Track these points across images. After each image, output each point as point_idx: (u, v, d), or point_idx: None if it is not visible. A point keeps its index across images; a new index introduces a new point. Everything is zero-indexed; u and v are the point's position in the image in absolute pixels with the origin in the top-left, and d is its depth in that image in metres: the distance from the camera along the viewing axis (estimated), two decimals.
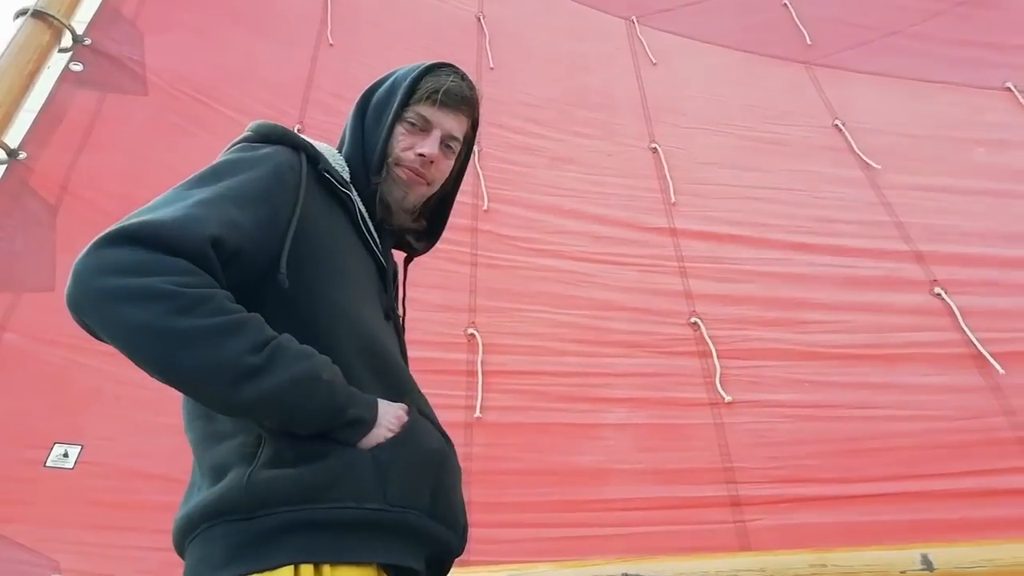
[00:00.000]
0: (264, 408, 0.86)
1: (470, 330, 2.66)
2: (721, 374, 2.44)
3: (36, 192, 2.54)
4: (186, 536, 0.91)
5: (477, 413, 2.44)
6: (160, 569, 1.82)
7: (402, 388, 1.04)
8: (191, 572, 0.89)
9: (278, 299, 0.94)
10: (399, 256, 1.26)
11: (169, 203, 0.91)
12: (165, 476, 2.10)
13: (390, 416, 0.95)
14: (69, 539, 1.95)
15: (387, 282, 1.14)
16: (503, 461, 2.38)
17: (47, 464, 2.10)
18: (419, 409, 1.01)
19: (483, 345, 2.62)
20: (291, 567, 0.83)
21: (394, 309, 1.16)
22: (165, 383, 0.87)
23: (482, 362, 2.58)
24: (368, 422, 0.91)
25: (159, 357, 0.83)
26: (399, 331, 1.16)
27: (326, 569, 0.85)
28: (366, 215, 1.10)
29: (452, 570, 1.28)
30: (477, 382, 2.53)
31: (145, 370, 0.85)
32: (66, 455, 2.14)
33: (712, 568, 1.15)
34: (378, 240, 1.11)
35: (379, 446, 0.91)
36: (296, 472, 0.87)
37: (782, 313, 2.64)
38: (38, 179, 2.55)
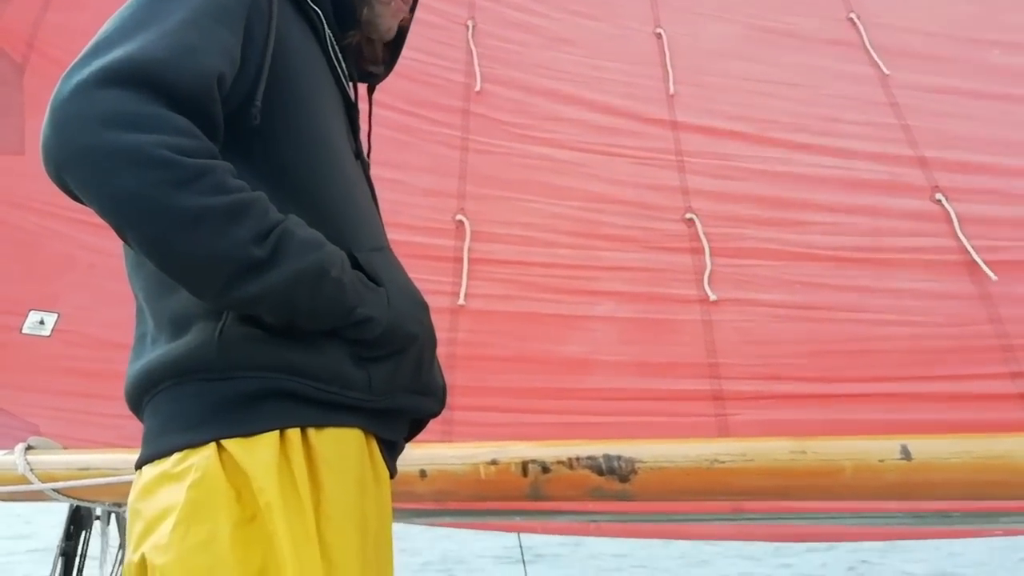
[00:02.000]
0: (264, 305, 0.78)
1: (458, 216, 2.59)
2: (713, 272, 2.40)
3: (1, 49, 2.39)
4: (146, 392, 0.84)
5: (461, 300, 2.42)
6: (136, 435, 1.81)
7: (379, 240, 0.98)
8: (157, 430, 0.82)
9: (246, 139, 0.85)
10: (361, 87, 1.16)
11: (145, 24, 0.77)
12: None
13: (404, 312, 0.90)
14: (47, 404, 1.94)
15: (354, 119, 1.05)
16: (487, 348, 2.38)
17: (23, 331, 2.07)
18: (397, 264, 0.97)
19: (471, 232, 2.57)
20: (276, 432, 0.77)
21: (362, 151, 1.08)
22: (151, 261, 0.77)
23: (469, 249, 2.53)
24: (378, 322, 0.84)
25: (149, 235, 0.73)
26: (367, 175, 1.07)
27: (312, 433, 0.80)
28: (334, 39, 0.99)
29: (433, 446, 1.28)
30: (463, 269, 2.49)
31: (129, 244, 0.76)
32: (42, 323, 2.11)
33: (693, 452, 1.13)
34: (346, 68, 1.01)
35: (366, 341, 0.86)
36: (274, 339, 0.81)
37: (779, 213, 2.58)
38: (2, 35, 2.40)
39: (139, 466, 0.83)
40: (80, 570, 2.33)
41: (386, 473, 0.90)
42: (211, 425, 0.78)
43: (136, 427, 1.89)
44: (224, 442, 0.77)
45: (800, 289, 2.26)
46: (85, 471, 1.36)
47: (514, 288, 2.51)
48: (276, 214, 0.79)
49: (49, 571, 2.29)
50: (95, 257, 2.30)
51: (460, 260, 2.52)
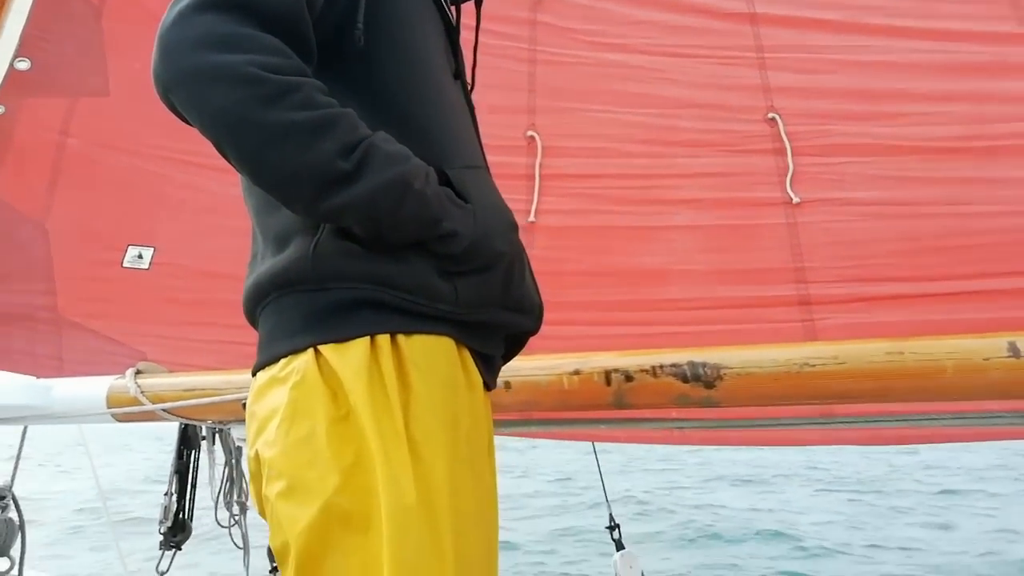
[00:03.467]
0: (350, 217, 0.81)
1: (529, 132, 2.54)
2: (796, 172, 2.29)
3: None
4: (257, 304, 0.90)
5: (531, 218, 2.40)
6: (237, 360, 1.92)
7: (474, 159, 0.99)
8: (266, 339, 0.88)
9: (345, 59, 0.87)
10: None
11: None
12: (233, 275, 2.16)
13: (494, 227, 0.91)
14: (151, 333, 2.06)
15: (454, 39, 1.05)
16: (563, 263, 2.36)
17: (124, 264, 2.18)
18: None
19: (543, 148, 2.52)
20: (367, 338, 0.81)
21: (462, 71, 1.08)
22: (244, 176, 0.84)
23: (540, 165, 2.49)
24: (463, 236, 0.86)
25: (241, 149, 0.78)
26: (468, 96, 1.09)
27: (401, 339, 0.83)
28: None
29: (516, 360, 1.29)
30: (534, 186, 2.46)
31: (228, 160, 0.81)
32: (140, 256, 2.21)
33: (782, 356, 1.10)
34: None
35: (452, 256, 0.87)
36: (365, 253, 0.84)
37: (869, 106, 2.42)
38: None
39: (254, 372, 0.89)
40: (193, 484, 2.53)
41: (480, 381, 0.91)
42: (309, 332, 0.83)
43: (234, 352, 1.99)
44: (320, 347, 0.81)
45: (893, 185, 2.13)
46: (191, 392, 1.44)
47: (588, 202, 2.47)
48: (364, 129, 0.81)
49: (166, 488, 2.48)
50: (185, 193, 2.39)
51: (532, 177, 2.49)
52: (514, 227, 0.99)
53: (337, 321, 0.82)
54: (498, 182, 2.52)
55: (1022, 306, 1.73)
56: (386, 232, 0.83)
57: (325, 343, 0.82)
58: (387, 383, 0.80)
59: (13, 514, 2.30)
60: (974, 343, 1.05)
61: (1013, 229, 1.93)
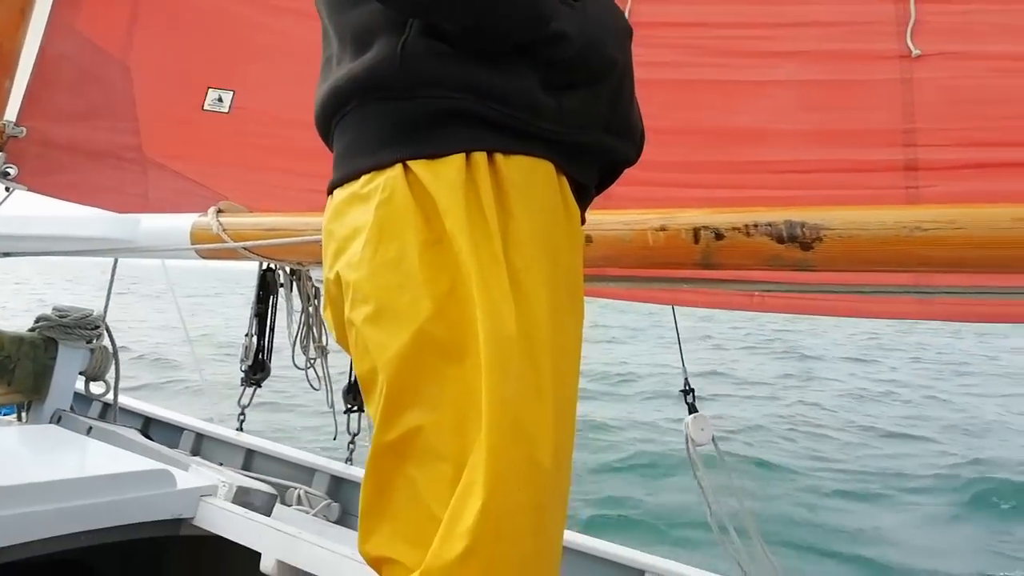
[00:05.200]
0: (443, 8, 0.72)
1: None
2: (918, 22, 2.05)
3: None
4: (334, 113, 0.82)
5: None
6: (315, 208, 1.91)
7: None
8: (345, 152, 0.81)
9: None
10: None
11: None
12: (312, 124, 2.14)
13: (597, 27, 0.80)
14: (231, 176, 2.08)
15: None
16: (654, 120, 2.21)
17: (204, 107, 2.18)
18: None
19: None
20: (462, 155, 0.74)
21: None
22: None
23: (630, 12, 2.31)
24: (572, 39, 0.76)
25: None
26: None
27: (499, 158, 0.75)
28: None
29: (599, 213, 1.23)
30: None
31: None
32: (220, 99, 2.20)
33: (891, 219, 1.01)
34: None
35: (560, 61, 0.77)
36: (461, 57, 0.75)
37: None
38: None
39: (330, 190, 0.84)
40: (272, 328, 2.64)
41: (578, 212, 0.84)
42: (396, 146, 0.76)
43: (312, 201, 1.99)
44: (410, 163, 0.75)
45: None
46: (272, 231, 1.45)
47: (683, 54, 2.29)
48: None
49: (246, 329, 2.61)
50: (266, 36, 2.33)
51: None
52: (628, 33, 0.88)
53: (429, 134, 0.75)
54: None
55: None
56: (486, 31, 0.74)
57: (415, 158, 0.74)
58: (485, 206, 0.73)
59: (107, 342, 2.46)
60: None
61: None
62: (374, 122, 0.78)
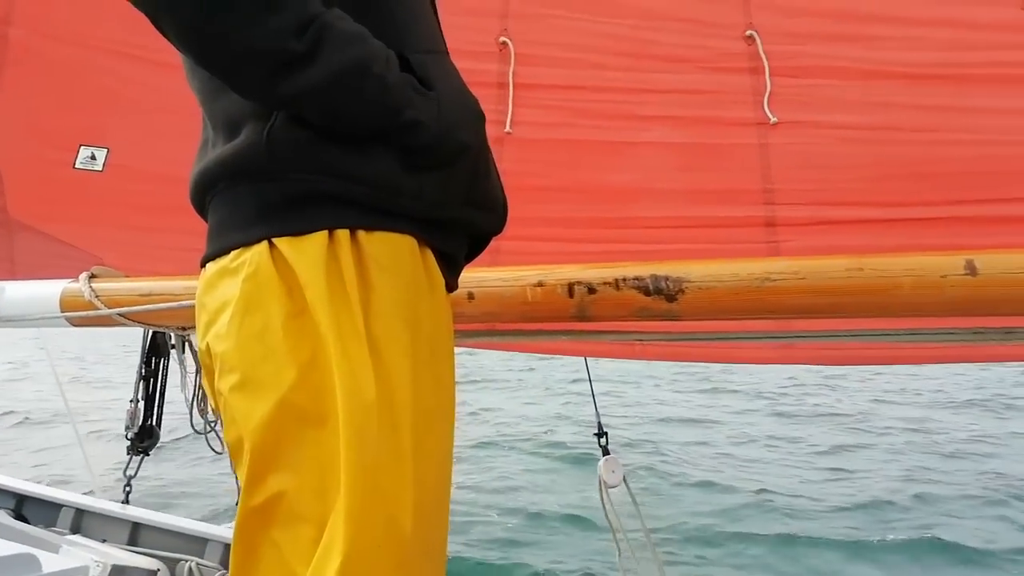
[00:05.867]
0: (303, 105, 0.76)
1: (502, 38, 2.46)
2: (772, 93, 2.26)
3: None
4: (205, 193, 0.85)
5: (507, 128, 2.35)
6: (197, 268, 1.86)
7: (435, 43, 0.92)
8: (216, 229, 0.83)
9: None
10: None
11: None
12: None
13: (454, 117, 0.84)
14: (106, 238, 2.00)
15: None
16: (533, 177, 2.33)
17: (76, 166, 2.10)
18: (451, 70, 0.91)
19: (516, 55, 2.44)
20: (325, 232, 0.77)
21: None
22: (186, 54, 0.78)
23: (514, 74, 2.42)
24: (426, 127, 0.80)
25: (181, 23, 0.72)
26: None
27: (361, 235, 0.78)
28: None
29: (480, 270, 1.28)
30: (508, 95, 2.40)
31: (167, 36, 0.75)
32: (93, 157, 2.13)
33: (743, 271, 1.10)
34: None
35: (416, 148, 0.81)
36: (322, 142, 0.78)
37: (849, 27, 2.37)
38: None
39: (203, 264, 0.85)
40: (163, 391, 2.52)
41: (442, 283, 0.88)
42: (262, 224, 0.78)
43: (193, 259, 1.95)
44: (275, 240, 0.78)
45: (868, 110, 2.12)
46: (148, 296, 1.41)
47: (561, 115, 2.42)
48: (316, 5, 0.75)
49: (132, 394, 2.48)
50: (139, 91, 2.28)
51: (505, 86, 2.42)
52: (481, 117, 0.92)
53: (293, 213, 0.78)
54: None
55: (984, 233, 1.75)
56: (345, 121, 0.78)
57: (280, 236, 0.77)
58: (346, 279, 0.76)
59: None
60: (932, 260, 1.05)
61: (981, 158, 1.94)
62: (242, 202, 0.80)
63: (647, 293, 1.16)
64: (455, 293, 1.25)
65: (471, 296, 1.26)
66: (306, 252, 0.76)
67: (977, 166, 1.89)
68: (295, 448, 0.74)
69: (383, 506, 0.72)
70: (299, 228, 0.77)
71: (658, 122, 2.32)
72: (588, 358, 2.40)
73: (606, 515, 1.81)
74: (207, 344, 0.82)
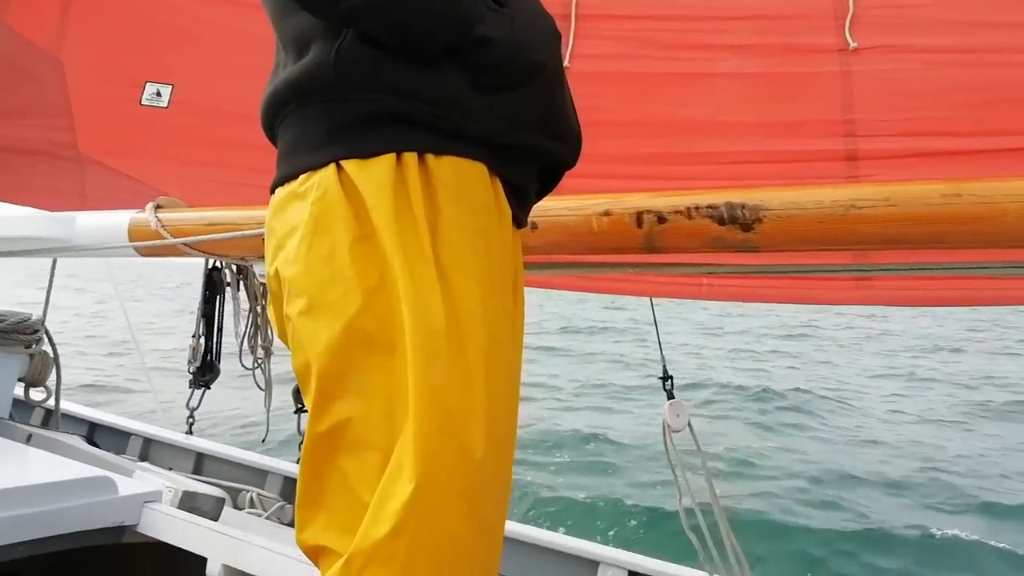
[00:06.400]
0: (370, 18, 0.74)
1: None
2: (855, 15, 2.10)
3: None
4: (276, 115, 0.84)
5: (566, 62, 2.26)
6: (257, 202, 1.87)
7: None
8: (286, 152, 0.83)
9: None
10: None
11: None
12: (254, 116, 2.09)
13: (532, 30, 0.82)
14: (171, 172, 2.02)
15: None
16: (600, 112, 2.24)
17: (142, 102, 2.12)
18: None
19: None
20: (393, 155, 0.76)
21: None
22: None
23: (577, 4, 2.32)
24: (498, 43, 0.78)
25: None
26: None
27: (430, 158, 0.77)
28: None
29: (544, 200, 1.23)
30: (570, 27, 2.30)
31: None
32: (159, 94, 2.14)
33: (828, 198, 1.02)
34: None
35: (487, 66, 0.79)
36: (391, 60, 0.77)
37: None
38: None
39: (273, 189, 0.85)
40: (220, 328, 2.58)
41: (510, 213, 0.85)
42: (330, 146, 0.77)
43: (254, 195, 1.95)
44: (343, 162, 0.76)
45: (963, 29, 1.95)
46: (212, 226, 1.41)
47: (628, 46, 2.31)
48: None
49: (193, 330, 2.55)
50: (203, 28, 2.28)
51: (567, 17, 2.33)
52: (557, 36, 0.90)
53: (360, 135, 0.77)
54: None
55: None
56: (412, 37, 0.75)
57: (347, 158, 0.76)
58: (413, 202, 0.74)
59: (47, 347, 2.38)
60: None
61: None
62: (311, 124, 0.79)
63: (721, 222, 1.09)
64: None
65: (534, 226, 1.22)
66: (373, 175, 0.75)
67: None
68: (362, 374, 0.73)
69: (454, 433, 0.70)
70: (367, 150, 0.76)
71: (731, 51, 2.19)
72: (654, 301, 2.33)
73: (668, 459, 1.77)
74: (275, 269, 0.81)
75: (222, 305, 2.43)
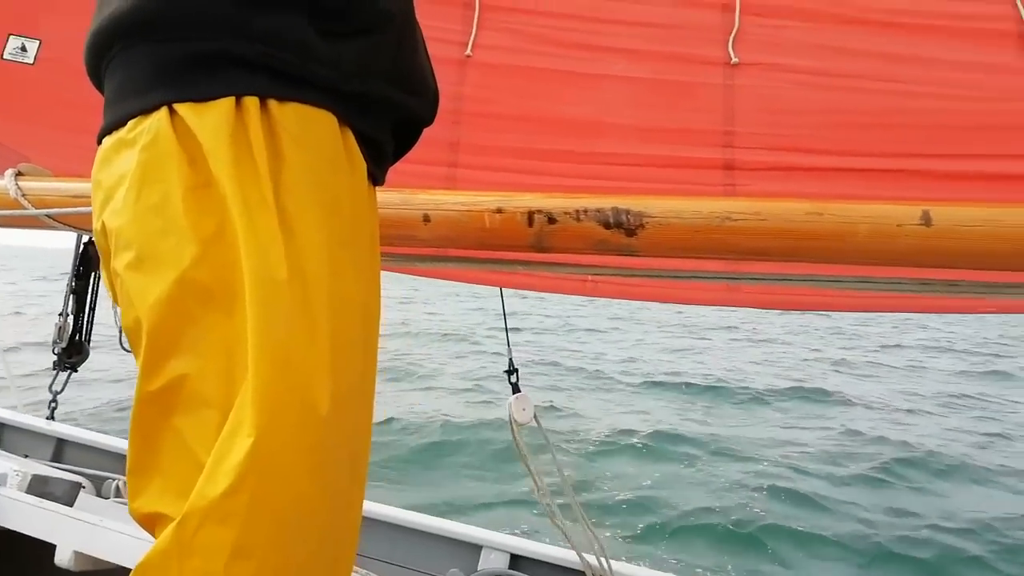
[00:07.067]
0: None
1: None
2: (739, 31, 2.22)
3: None
4: (101, 57, 0.76)
5: (467, 51, 2.27)
6: None
7: None
8: (112, 98, 0.75)
9: None
10: None
11: None
12: None
13: None
14: (36, 135, 1.87)
15: None
16: (494, 104, 2.27)
17: (4, 56, 1.95)
18: None
19: None
20: (231, 99, 0.70)
21: None
22: None
23: None
24: None
25: None
26: None
27: (273, 105, 0.71)
28: None
29: (438, 192, 1.24)
30: (473, 16, 2.31)
31: None
32: (24, 49, 1.98)
33: (705, 208, 1.09)
34: None
35: (330, 10, 0.74)
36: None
37: None
38: None
39: (99, 139, 0.77)
40: (93, 307, 2.42)
41: (364, 167, 0.80)
42: (161, 88, 0.71)
43: None
44: (176, 106, 0.70)
45: (832, 55, 2.10)
46: (80, 199, 1.32)
47: (526, 40, 2.35)
48: None
49: (61, 307, 2.38)
50: None
51: (471, 6, 2.33)
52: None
53: (196, 76, 0.70)
54: (430, 7, 2.36)
55: (938, 187, 1.78)
56: None
57: (181, 101, 0.70)
58: (255, 149, 0.69)
59: None
60: (889, 209, 1.06)
61: (938, 111, 1.95)
62: (140, 64, 0.72)
63: (607, 226, 1.14)
64: (410, 214, 1.21)
65: (427, 219, 1.22)
66: (210, 119, 0.69)
67: (935, 119, 1.91)
68: (197, 328, 0.67)
69: (296, 388, 0.66)
70: (202, 93, 0.70)
71: (622, 55, 2.27)
72: (505, 293, 2.37)
73: (518, 452, 1.82)
74: (102, 223, 0.73)
75: (96, 282, 2.27)
